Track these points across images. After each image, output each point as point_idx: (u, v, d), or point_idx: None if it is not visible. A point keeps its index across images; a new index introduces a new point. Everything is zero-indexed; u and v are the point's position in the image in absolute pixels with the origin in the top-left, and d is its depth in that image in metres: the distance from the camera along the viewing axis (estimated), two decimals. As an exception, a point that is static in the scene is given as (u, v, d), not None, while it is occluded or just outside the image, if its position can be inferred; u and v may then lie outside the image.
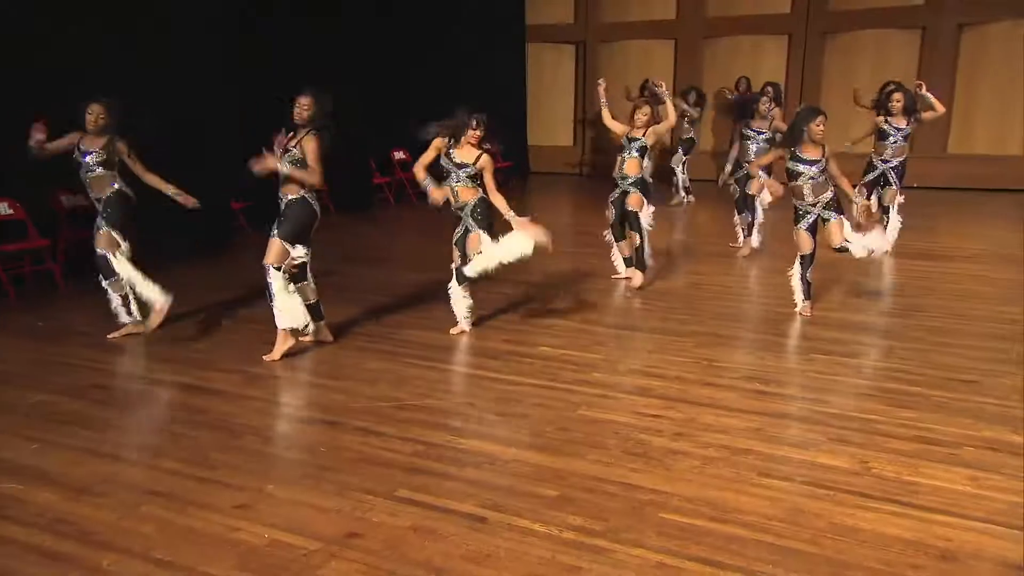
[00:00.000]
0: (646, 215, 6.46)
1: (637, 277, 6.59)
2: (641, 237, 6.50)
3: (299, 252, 4.81)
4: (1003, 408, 4.11)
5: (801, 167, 5.67)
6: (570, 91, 15.97)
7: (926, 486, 3.32)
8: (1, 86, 6.66)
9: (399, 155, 12.13)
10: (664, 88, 7.00)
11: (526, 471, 3.46)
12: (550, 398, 4.31)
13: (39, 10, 6.95)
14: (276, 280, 4.70)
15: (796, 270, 5.87)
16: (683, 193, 11.50)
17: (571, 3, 15.51)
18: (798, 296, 5.83)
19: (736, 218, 8.16)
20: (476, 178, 5.23)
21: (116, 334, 5.35)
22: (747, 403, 4.21)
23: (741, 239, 8.10)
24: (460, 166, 5.21)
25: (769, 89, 8.96)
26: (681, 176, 11.55)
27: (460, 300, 5.38)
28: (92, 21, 7.27)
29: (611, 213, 6.65)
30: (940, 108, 7.97)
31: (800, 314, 5.78)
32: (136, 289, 5.25)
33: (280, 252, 4.77)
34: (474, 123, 5.13)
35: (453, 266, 5.34)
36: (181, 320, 5.64)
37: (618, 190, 6.57)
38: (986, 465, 3.48)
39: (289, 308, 4.78)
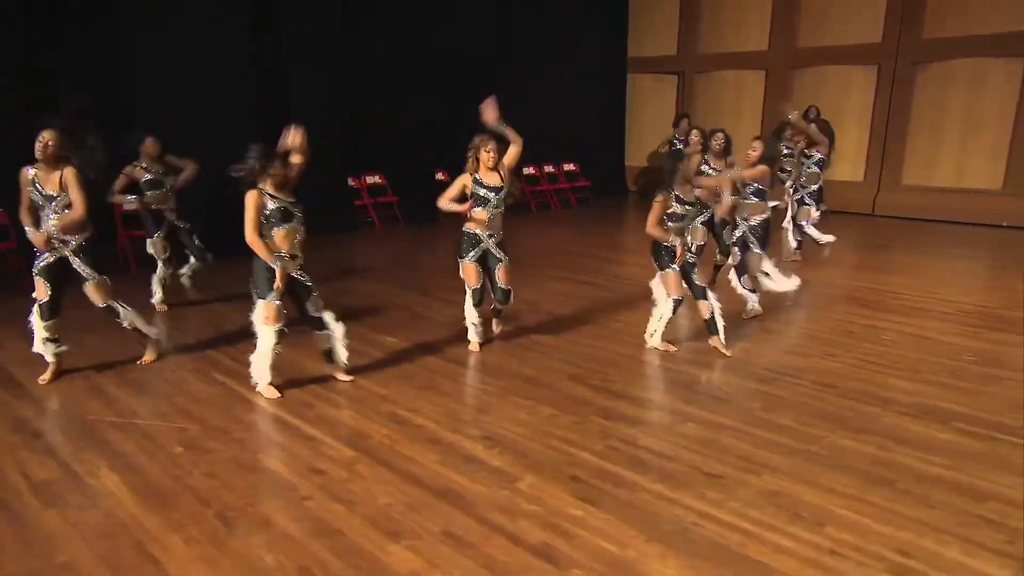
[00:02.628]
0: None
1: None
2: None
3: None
4: (690, 525, 2.92)
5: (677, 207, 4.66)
6: (670, 117, 14.65)
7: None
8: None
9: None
10: None
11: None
12: (235, 446, 3.70)
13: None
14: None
15: (663, 313, 4.80)
16: None
17: (674, 36, 14.22)
18: (655, 334, 4.80)
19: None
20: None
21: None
22: (386, 488, 3.25)
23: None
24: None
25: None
26: None
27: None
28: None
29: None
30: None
31: (647, 342, 4.82)
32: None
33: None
34: None
35: None
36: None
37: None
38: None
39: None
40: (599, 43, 13.86)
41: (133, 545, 2.75)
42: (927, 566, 2.63)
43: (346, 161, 9.98)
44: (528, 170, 12.61)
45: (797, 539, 2.79)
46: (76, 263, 4.29)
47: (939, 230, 10.33)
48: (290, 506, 3.04)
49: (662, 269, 4.76)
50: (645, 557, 2.68)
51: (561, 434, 3.74)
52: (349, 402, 4.17)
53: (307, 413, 3.99)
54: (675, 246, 4.64)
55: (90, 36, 7.64)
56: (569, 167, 13.36)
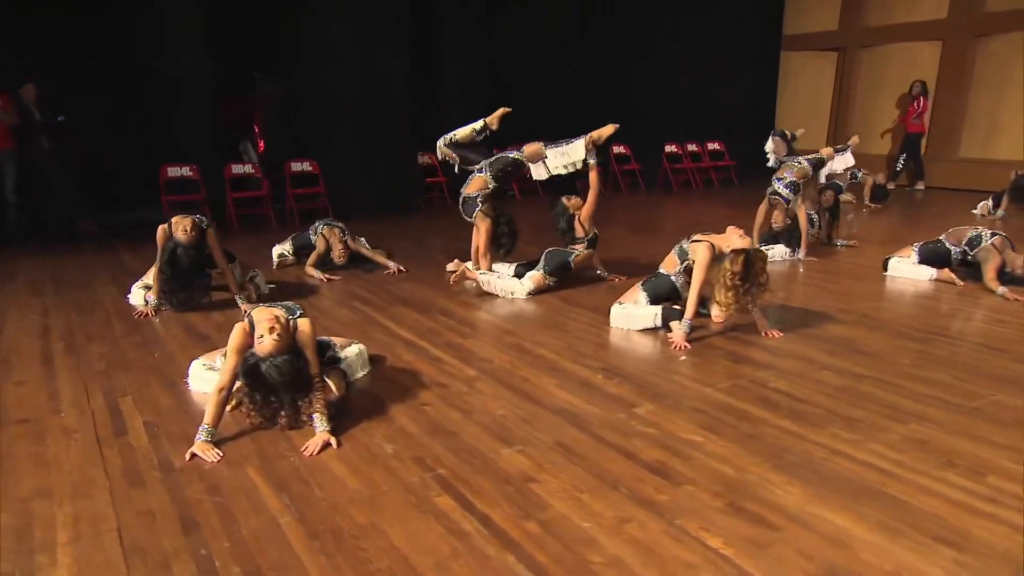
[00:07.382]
0: None
1: None
2: None
3: None
4: (820, 460, 2.61)
5: None
6: (828, 96, 13.58)
7: None
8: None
9: (618, 149, 11.55)
10: None
11: None
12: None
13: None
14: None
15: None
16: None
17: (837, 10, 13.14)
18: None
19: None
20: None
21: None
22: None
23: None
24: None
25: None
26: None
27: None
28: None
29: None
30: None
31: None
32: None
33: None
34: None
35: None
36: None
37: None
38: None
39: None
40: (752, 22, 13.11)
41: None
42: (1112, 525, 2.20)
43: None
44: (670, 148, 12.21)
45: (949, 484, 2.42)
46: None
47: None
48: (410, 409, 3.07)
49: None
50: (767, 483, 2.44)
51: (684, 371, 3.52)
52: (475, 332, 4.18)
53: (436, 339, 4.04)
54: None
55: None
56: (714, 146, 12.75)
